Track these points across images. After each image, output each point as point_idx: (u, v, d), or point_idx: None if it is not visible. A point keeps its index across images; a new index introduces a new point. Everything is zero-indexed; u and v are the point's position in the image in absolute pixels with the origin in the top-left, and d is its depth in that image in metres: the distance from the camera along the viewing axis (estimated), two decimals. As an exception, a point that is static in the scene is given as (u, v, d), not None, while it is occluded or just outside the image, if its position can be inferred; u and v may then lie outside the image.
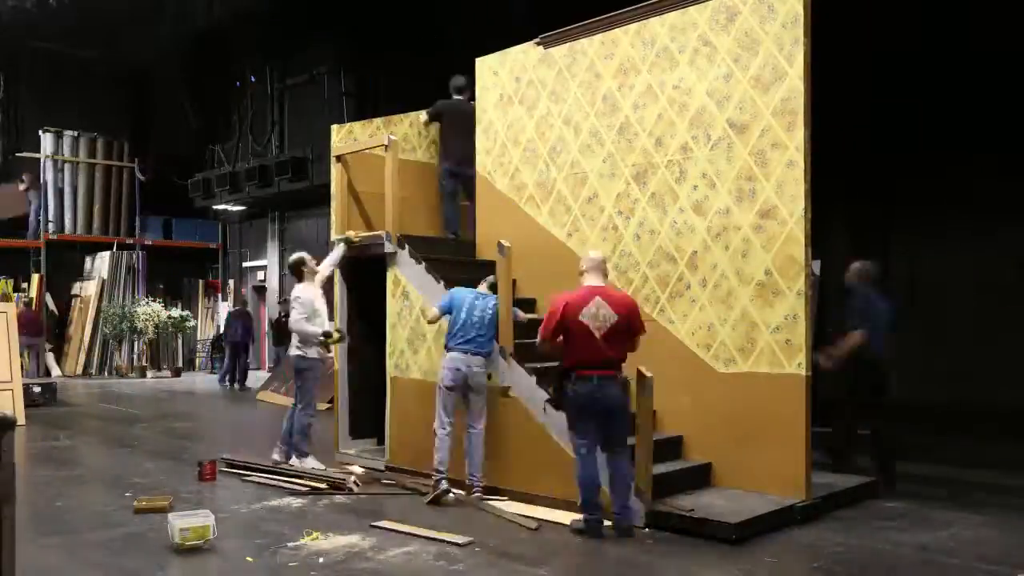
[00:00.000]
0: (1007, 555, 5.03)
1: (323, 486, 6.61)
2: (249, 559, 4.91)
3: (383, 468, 7.37)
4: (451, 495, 6.26)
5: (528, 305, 7.36)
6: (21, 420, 10.66)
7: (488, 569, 4.79)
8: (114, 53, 18.52)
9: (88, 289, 18.51)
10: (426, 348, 7.26)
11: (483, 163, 8.03)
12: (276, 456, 7.39)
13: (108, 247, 18.73)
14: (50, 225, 18.10)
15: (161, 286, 19.34)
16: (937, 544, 5.25)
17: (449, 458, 6.36)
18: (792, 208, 6.05)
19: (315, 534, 5.40)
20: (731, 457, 6.26)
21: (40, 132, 18.23)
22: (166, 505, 5.93)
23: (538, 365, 6.37)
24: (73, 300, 18.73)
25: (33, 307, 17.21)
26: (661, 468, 6.17)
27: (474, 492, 6.31)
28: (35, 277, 17.61)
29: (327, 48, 17.06)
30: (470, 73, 8.28)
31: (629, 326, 5.52)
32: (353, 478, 6.70)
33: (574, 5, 8.53)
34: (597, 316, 5.40)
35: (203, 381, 16.98)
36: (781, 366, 6.06)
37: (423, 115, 8.63)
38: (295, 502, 6.32)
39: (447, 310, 6.54)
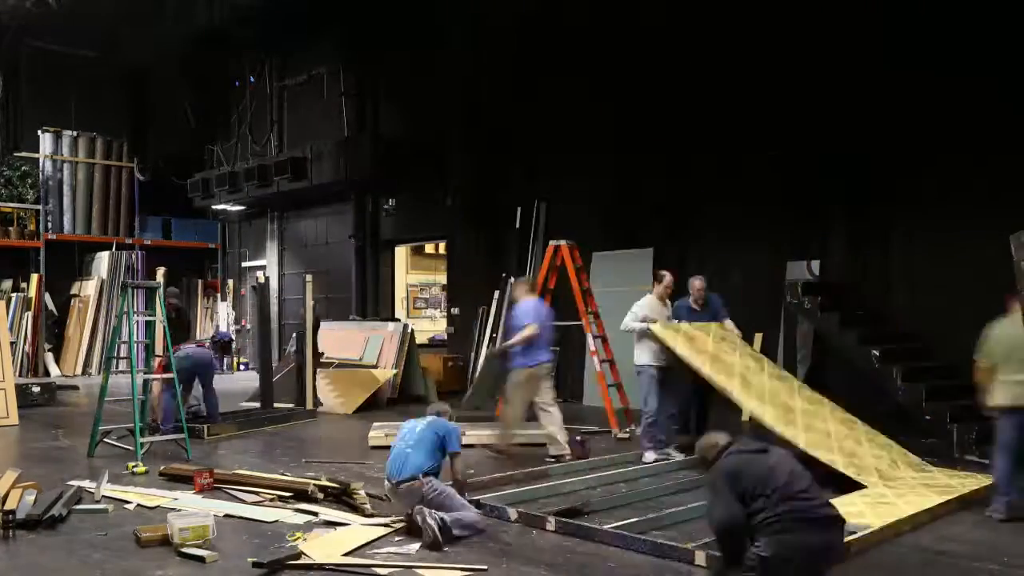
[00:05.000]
0: (1007, 555, 5.02)
1: (288, 494, 6.48)
2: (250, 560, 4.90)
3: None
4: None
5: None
6: (15, 420, 10.67)
7: (487, 569, 4.78)
8: (114, 53, 18.49)
9: (87, 289, 18.49)
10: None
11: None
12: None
13: (107, 247, 18.70)
14: (49, 225, 18.09)
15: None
16: (937, 544, 5.25)
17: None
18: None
19: (299, 535, 5.39)
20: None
21: (39, 132, 18.19)
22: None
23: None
24: (72, 300, 18.71)
25: (32, 307, 17.20)
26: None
27: None
28: (34, 277, 17.59)
29: (327, 48, 17.06)
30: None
31: None
32: (312, 486, 6.46)
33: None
34: None
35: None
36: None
37: None
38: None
39: None
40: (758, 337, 10.73)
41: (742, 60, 10.92)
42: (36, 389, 12.71)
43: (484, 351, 13.93)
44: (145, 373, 8.54)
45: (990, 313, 8.67)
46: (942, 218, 9.20)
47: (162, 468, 7.42)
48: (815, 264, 10.25)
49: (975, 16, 8.99)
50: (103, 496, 6.46)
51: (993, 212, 8.69)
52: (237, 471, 7.19)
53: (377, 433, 8.92)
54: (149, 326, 8.87)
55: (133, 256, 18.80)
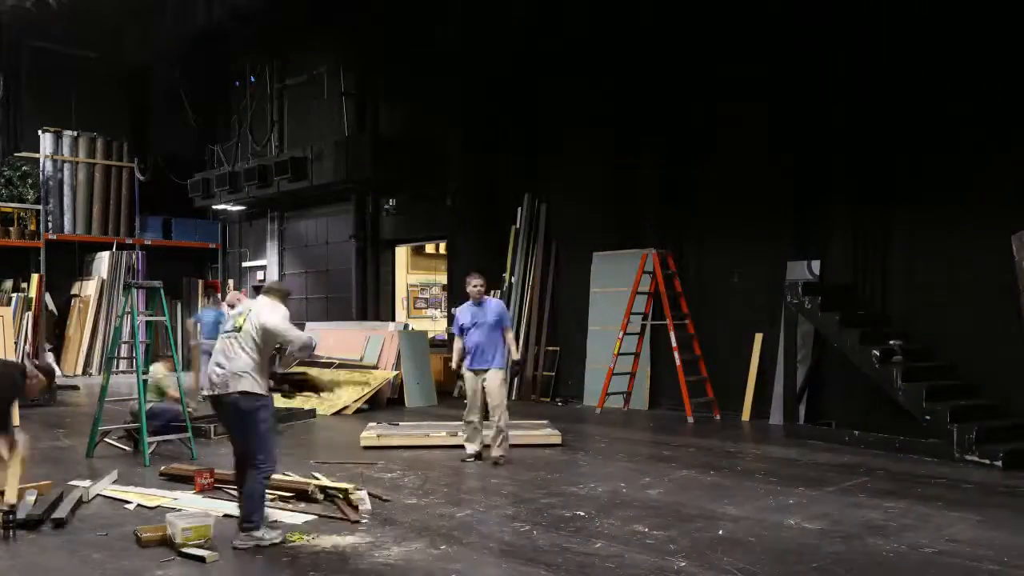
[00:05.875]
0: (1007, 555, 5.02)
1: (289, 495, 6.46)
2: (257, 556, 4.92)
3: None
4: None
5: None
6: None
7: (486, 568, 4.79)
8: (114, 53, 18.48)
9: (87, 289, 18.50)
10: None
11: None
12: None
13: (107, 247, 18.71)
14: (49, 225, 18.09)
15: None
16: (936, 544, 5.25)
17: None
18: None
19: (298, 535, 5.39)
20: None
21: (39, 132, 18.20)
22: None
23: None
24: (72, 300, 18.72)
25: (33, 307, 17.19)
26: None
27: None
28: (35, 277, 17.60)
29: (327, 48, 17.07)
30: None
31: None
32: (312, 487, 6.44)
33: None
34: None
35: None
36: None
37: None
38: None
39: None
40: (758, 338, 10.75)
41: (742, 61, 10.92)
42: (37, 389, 12.68)
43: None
44: (145, 373, 8.52)
45: (990, 313, 8.74)
46: (942, 218, 9.20)
47: (162, 468, 7.43)
48: (815, 264, 10.26)
49: (976, 16, 8.99)
50: (98, 495, 6.46)
51: (993, 212, 8.72)
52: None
53: (369, 433, 8.93)
54: (149, 326, 8.90)
55: (134, 256, 18.81)
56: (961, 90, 9.05)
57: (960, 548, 5.18)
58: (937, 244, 9.29)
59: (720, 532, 5.47)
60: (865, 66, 9.79)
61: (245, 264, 20.26)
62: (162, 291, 8.70)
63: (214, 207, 19.55)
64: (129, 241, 19.08)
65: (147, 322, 8.90)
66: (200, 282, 20.39)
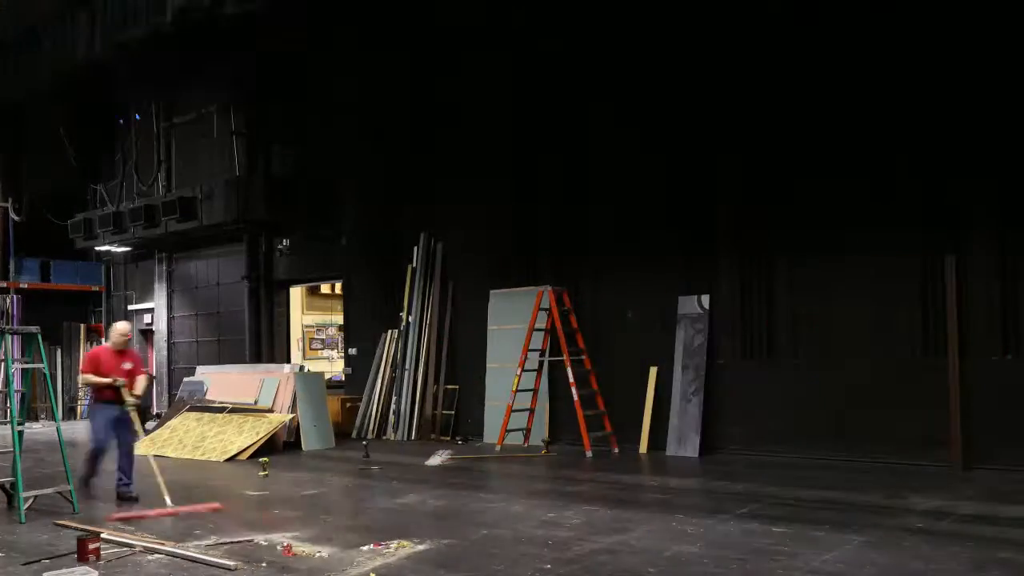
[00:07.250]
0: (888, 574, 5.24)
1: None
2: None
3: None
4: None
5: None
6: None
7: None
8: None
9: (-44, 336, 17.41)
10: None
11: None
12: None
13: (-21, 291, 17.71)
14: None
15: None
16: (826, 567, 5.43)
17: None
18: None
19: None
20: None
21: (-98, 170, 17.17)
22: None
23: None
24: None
25: None
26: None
27: None
28: None
29: (215, 86, 16.72)
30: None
31: None
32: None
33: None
34: None
35: (84, 430, 16.11)
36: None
37: None
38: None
39: None
40: (653, 371, 11.00)
41: (637, 111, 11.27)
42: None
43: (378, 390, 13.72)
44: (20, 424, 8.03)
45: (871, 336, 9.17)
46: (820, 250, 9.71)
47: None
48: (705, 299, 10.61)
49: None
50: None
51: (858, 272, 9.28)
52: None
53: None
54: (26, 375, 8.44)
55: (8, 300, 17.84)
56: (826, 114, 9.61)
57: (848, 571, 5.36)
58: (814, 274, 9.80)
59: (622, 564, 5.52)
60: (745, 120, 10.27)
61: (131, 307, 19.48)
62: (40, 337, 8.27)
63: (97, 248, 18.77)
64: (3, 285, 18.09)
65: (23, 370, 8.44)
66: (83, 327, 19.49)
